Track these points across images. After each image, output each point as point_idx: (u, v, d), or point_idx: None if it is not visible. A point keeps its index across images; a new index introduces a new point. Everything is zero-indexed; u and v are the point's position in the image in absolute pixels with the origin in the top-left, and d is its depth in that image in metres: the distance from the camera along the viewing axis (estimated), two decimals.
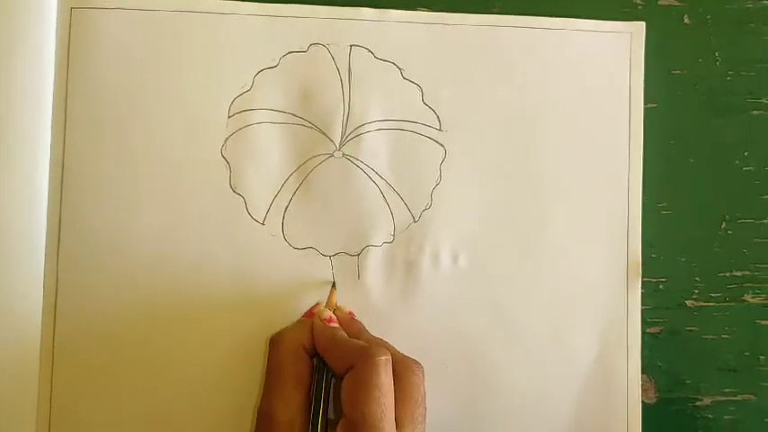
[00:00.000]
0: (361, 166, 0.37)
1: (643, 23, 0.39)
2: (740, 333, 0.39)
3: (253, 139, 0.37)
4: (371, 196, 0.37)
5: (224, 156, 0.37)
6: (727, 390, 0.39)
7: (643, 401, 0.38)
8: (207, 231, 0.36)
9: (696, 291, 0.39)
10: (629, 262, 0.38)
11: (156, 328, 0.36)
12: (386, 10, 0.38)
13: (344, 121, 0.37)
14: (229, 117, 0.37)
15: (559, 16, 0.38)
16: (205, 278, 0.36)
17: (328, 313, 0.35)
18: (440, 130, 0.38)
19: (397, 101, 0.38)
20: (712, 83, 0.39)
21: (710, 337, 0.39)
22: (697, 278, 0.39)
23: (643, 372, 0.38)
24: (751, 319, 0.39)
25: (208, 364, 0.36)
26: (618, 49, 0.39)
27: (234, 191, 0.37)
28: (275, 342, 0.35)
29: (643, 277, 0.38)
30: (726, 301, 0.39)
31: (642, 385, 0.38)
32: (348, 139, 0.37)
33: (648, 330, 0.38)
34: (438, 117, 0.38)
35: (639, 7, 0.39)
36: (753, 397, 0.39)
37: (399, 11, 0.38)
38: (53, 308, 0.36)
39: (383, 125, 0.37)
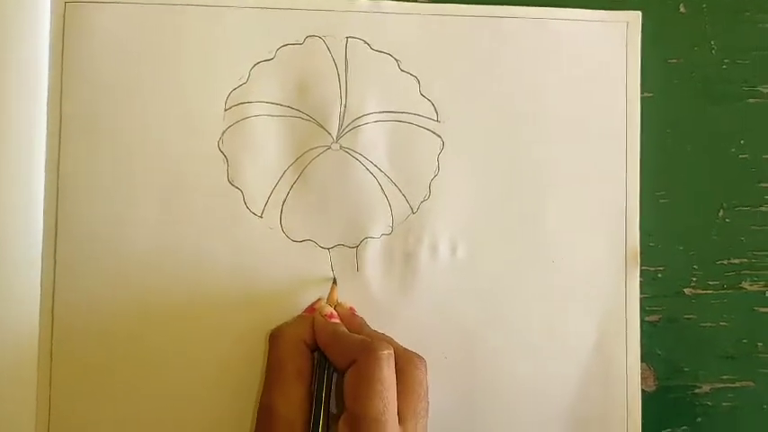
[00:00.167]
0: (359, 158, 0.37)
1: (639, 13, 0.39)
2: (738, 320, 0.39)
3: (250, 132, 0.37)
4: (369, 188, 0.37)
5: (221, 149, 0.37)
6: (725, 377, 0.39)
7: (642, 389, 0.38)
8: (205, 225, 0.36)
9: (694, 279, 0.39)
10: (628, 251, 0.38)
11: (153, 324, 0.36)
12: (382, 1, 0.38)
13: (341, 114, 0.37)
14: (226, 110, 0.37)
15: (556, 6, 0.38)
16: (203, 272, 0.36)
17: (329, 309, 0.35)
18: (437, 121, 0.38)
19: (394, 92, 0.37)
20: (708, 71, 0.40)
21: (709, 324, 0.39)
22: (695, 266, 0.39)
23: (642, 360, 0.38)
24: (749, 307, 0.39)
25: (207, 359, 0.36)
26: (614, 38, 0.39)
27: (231, 184, 0.37)
28: (275, 337, 0.35)
29: (641, 266, 0.38)
30: (724, 289, 0.39)
31: (641, 373, 0.38)
32: (345, 131, 0.37)
33: (647, 319, 0.38)
34: (435, 108, 0.38)
35: None
36: (751, 384, 0.39)
37: (395, 2, 0.38)
38: (51, 306, 0.36)
39: (380, 117, 0.37)
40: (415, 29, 0.38)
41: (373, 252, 0.37)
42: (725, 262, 0.39)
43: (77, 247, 0.36)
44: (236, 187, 0.37)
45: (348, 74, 0.37)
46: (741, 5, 0.40)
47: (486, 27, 0.38)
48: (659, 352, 0.39)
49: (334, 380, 0.34)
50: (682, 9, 0.40)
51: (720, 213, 0.39)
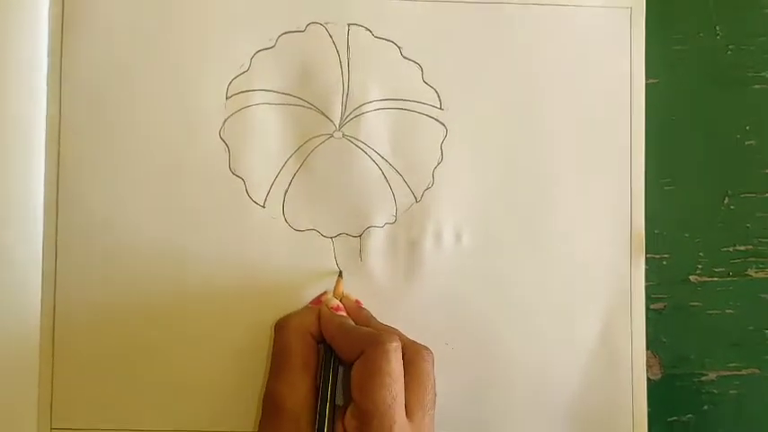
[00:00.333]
0: (362, 146, 0.37)
1: None
2: (744, 307, 0.39)
3: (251, 121, 0.36)
4: (372, 177, 0.37)
5: (223, 138, 0.36)
6: (731, 364, 0.39)
7: (648, 377, 0.38)
8: (207, 215, 0.36)
9: (700, 266, 0.39)
10: (633, 238, 0.38)
11: (155, 314, 0.36)
12: None
13: (344, 102, 0.37)
14: (227, 99, 0.36)
15: None
16: (206, 262, 0.36)
17: (336, 302, 0.35)
18: (440, 108, 0.37)
19: (397, 80, 0.37)
20: (713, 57, 0.39)
21: (715, 312, 0.39)
22: (700, 253, 0.39)
23: (647, 348, 0.38)
24: (755, 294, 0.39)
25: (210, 349, 0.36)
26: (618, 23, 0.38)
27: (233, 173, 0.36)
28: (281, 327, 0.34)
29: (646, 253, 0.38)
30: (729, 276, 0.39)
31: (647, 361, 0.38)
32: (348, 119, 0.37)
33: (652, 306, 0.38)
34: (438, 95, 0.37)
35: None
36: (757, 371, 0.39)
37: None
38: (52, 297, 0.36)
39: (383, 105, 0.37)
40: (417, 15, 0.37)
41: (377, 241, 0.37)
42: (730, 249, 0.39)
43: (79, 239, 0.36)
44: (238, 176, 0.36)
45: (350, 61, 0.37)
46: None
47: (489, 13, 0.38)
48: (665, 340, 0.38)
49: (339, 373, 0.34)
50: None
51: (726, 200, 0.39)
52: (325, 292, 0.36)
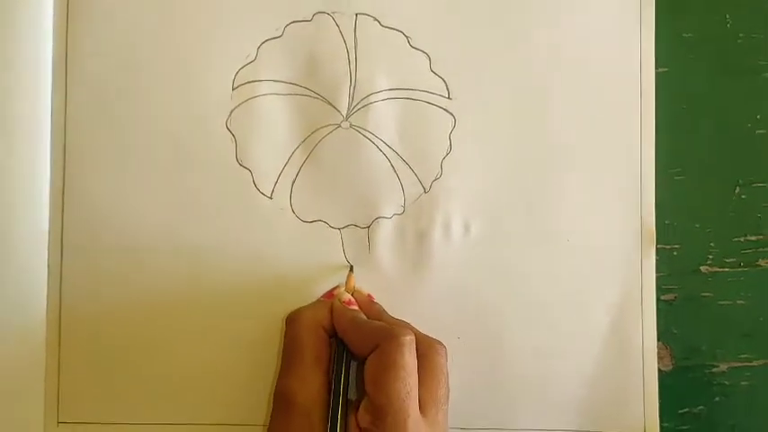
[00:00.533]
0: (369, 136, 0.37)
1: None
2: (756, 298, 0.38)
3: (258, 111, 0.36)
4: (380, 167, 0.37)
5: (229, 129, 0.36)
6: (743, 355, 0.38)
7: (659, 369, 0.37)
8: (214, 206, 0.36)
9: (710, 256, 0.38)
10: (643, 229, 0.38)
11: (163, 307, 0.36)
12: None
13: (351, 92, 0.37)
14: (234, 89, 0.36)
15: None
16: (213, 254, 0.36)
17: (348, 296, 0.35)
18: (449, 98, 0.37)
19: (405, 70, 0.37)
20: (724, 46, 0.39)
21: (726, 302, 0.38)
22: (711, 244, 0.38)
23: (658, 339, 0.37)
24: (766, 284, 0.38)
25: (219, 342, 0.36)
26: (628, 12, 0.38)
27: (240, 164, 0.36)
28: (293, 320, 0.34)
29: (657, 244, 0.38)
30: (740, 267, 0.38)
31: (658, 353, 0.37)
32: (355, 109, 0.37)
33: (663, 297, 0.38)
34: (446, 85, 0.37)
35: None
36: None
37: None
38: (58, 290, 0.35)
39: (391, 95, 0.37)
40: (425, 4, 0.37)
41: (385, 232, 0.36)
42: (741, 239, 0.39)
43: (85, 232, 0.36)
44: (245, 167, 0.36)
45: (357, 51, 0.37)
46: None
47: (497, 2, 0.37)
48: (675, 331, 0.38)
49: (352, 367, 0.33)
50: None
51: (737, 190, 0.39)
52: (337, 286, 0.36)
